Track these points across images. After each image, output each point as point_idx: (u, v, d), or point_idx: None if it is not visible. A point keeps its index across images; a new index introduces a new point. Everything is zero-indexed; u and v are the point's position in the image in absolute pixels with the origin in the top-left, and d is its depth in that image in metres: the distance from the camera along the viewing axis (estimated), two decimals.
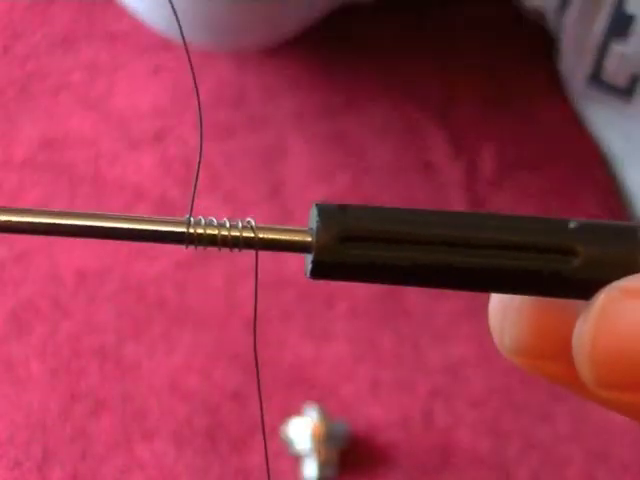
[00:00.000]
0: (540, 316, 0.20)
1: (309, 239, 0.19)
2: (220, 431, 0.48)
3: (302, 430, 0.46)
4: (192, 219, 0.19)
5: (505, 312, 0.20)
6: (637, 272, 0.18)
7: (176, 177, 0.53)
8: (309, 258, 0.19)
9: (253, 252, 0.20)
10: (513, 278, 0.18)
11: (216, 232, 0.20)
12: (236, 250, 0.19)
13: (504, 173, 0.55)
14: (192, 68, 0.32)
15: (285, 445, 0.48)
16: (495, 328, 0.21)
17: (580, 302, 0.19)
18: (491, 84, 0.59)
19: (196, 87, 0.34)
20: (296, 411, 0.48)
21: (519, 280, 0.18)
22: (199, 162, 0.23)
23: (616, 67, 0.51)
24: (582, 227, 0.18)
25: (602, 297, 0.18)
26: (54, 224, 0.19)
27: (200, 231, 0.19)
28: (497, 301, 0.20)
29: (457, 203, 0.53)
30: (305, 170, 0.54)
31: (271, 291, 0.51)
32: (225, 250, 0.21)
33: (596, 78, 0.53)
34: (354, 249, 0.18)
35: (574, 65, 0.55)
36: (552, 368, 0.21)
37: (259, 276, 0.21)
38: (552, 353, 0.21)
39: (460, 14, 0.60)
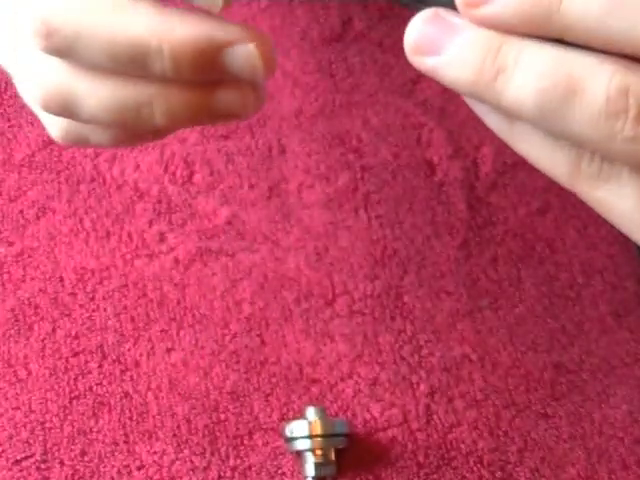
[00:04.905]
0: None
1: None
2: (220, 431, 0.48)
3: (302, 429, 0.46)
4: None
5: None
6: None
7: (176, 176, 0.53)
8: None
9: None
10: None
11: None
12: None
13: (504, 173, 0.55)
14: None
15: (285, 444, 0.48)
16: None
17: None
18: None
19: None
20: (296, 410, 0.48)
21: None
22: None
23: None
24: None
25: None
26: None
27: None
28: None
29: (457, 203, 0.53)
30: (305, 170, 0.54)
31: (271, 291, 0.51)
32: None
33: None
34: None
35: None
36: None
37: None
38: None
39: None
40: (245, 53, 0.31)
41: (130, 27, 0.30)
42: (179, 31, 0.30)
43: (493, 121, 0.29)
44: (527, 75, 0.26)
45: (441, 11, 0.28)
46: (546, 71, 0.26)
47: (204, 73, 0.31)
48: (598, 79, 0.25)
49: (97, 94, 0.32)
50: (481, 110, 0.29)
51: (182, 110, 0.32)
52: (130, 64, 0.31)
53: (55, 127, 0.36)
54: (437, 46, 0.27)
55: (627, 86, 0.25)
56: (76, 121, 0.34)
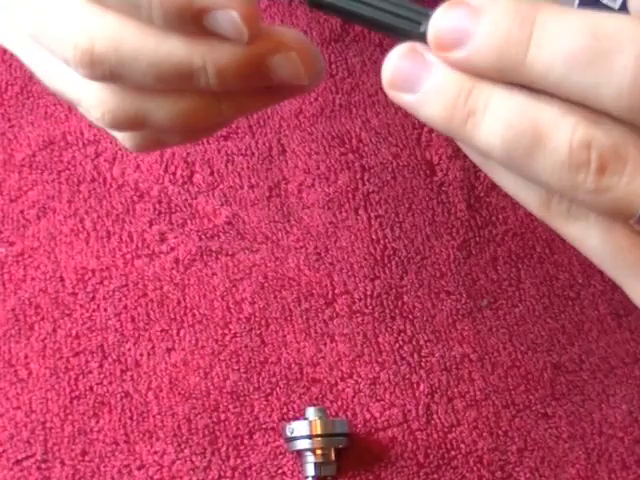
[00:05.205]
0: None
1: None
2: (220, 431, 0.48)
3: (302, 429, 0.46)
4: None
5: None
6: None
7: (176, 176, 0.53)
8: None
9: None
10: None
11: None
12: None
13: None
14: None
15: (285, 444, 0.48)
16: None
17: None
18: None
19: None
20: (296, 410, 0.48)
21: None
22: None
23: None
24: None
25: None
26: None
27: None
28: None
29: (457, 203, 0.53)
30: (305, 170, 0.54)
31: (271, 291, 0.51)
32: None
33: None
34: None
35: None
36: None
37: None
38: None
39: None
40: (286, 61, 0.31)
41: (172, 50, 0.31)
42: (219, 47, 0.31)
43: (470, 153, 0.30)
44: (495, 122, 0.26)
45: (418, 46, 0.28)
46: (512, 120, 0.26)
47: (250, 82, 0.32)
48: (561, 131, 0.26)
49: (163, 107, 0.33)
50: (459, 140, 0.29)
51: (247, 100, 0.33)
52: (175, 82, 0.31)
53: (128, 141, 0.36)
54: (412, 83, 0.28)
55: (590, 139, 0.26)
56: (149, 131, 0.35)
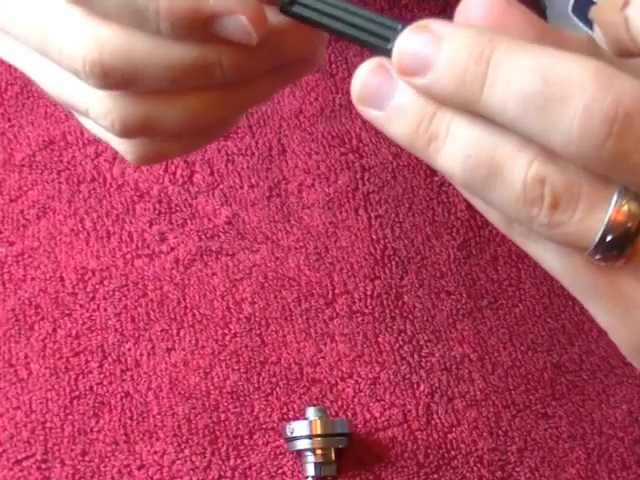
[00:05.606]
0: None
1: None
2: (220, 431, 0.48)
3: (302, 429, 0.46)
4: None
5: None
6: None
7: (176, 176, 0.53)
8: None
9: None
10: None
11: None
12: None
13: None
14: None
15: (285, 444, 0.48)
16: None
17: None
18: None
19: None
20: (296, 410, 0.48)
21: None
22: None
23: None
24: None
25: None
26: None
27: None
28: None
29: (457, 203, 0.53)
30: (305, 170, 0.54)
31: (271, 291, 0.51)
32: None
33: None
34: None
35: None
36: None
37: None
38: None
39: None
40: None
41: (185, 51, 0.31)
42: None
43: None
44: (455, 150, 0.27)
45: (386, 62, 0.28)
46: (471, 150, 0.27)
47: (264, 65, 0.32)
48: (517, 165, 0.26)
49: (174, 108, 0.32)
50: None
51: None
52: (190, 81, 0.31)
53: (130, 154, 0.36)
54: (379, 100, 0.28)
55: (544, 175, 0.26)
56: (153, 141, 0.35)
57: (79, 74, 0.32)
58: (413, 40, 0.27)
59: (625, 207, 0.26)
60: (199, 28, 0.30)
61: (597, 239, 0.26)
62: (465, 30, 0.26)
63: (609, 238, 0.26)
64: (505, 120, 0.26)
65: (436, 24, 0.27)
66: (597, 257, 0.27)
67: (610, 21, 0.27)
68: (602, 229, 0.26)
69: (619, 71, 0.25)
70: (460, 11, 0.28)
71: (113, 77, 0.31)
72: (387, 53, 0.28)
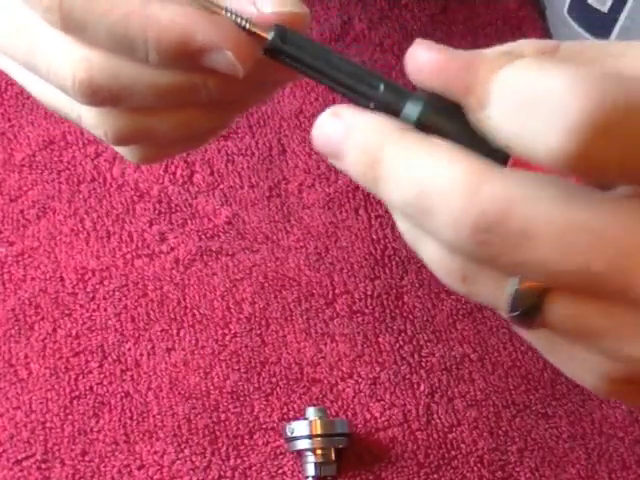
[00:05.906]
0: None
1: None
2: (220, 431, 0.48)
3: (302, 429, 0.46)
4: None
5: None
6: None
7: (176, 176, 0.53)
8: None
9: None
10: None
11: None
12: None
13: None
14: None
15: (285, 444, 0.48)
16: None
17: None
18: None
19: None
20: (296, 410, 0.48)
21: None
22: None
23: None
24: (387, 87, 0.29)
25: None
26: None
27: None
28: None
29: None
30: (305, 170, 0.54)
31: (271, 291, 0.51)
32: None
33: None
34: (291, 46, 0.30)
35: None
36: None
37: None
38: None
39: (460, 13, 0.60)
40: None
41: (172, 75, 0.31)
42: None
43: None
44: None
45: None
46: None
47: (253, 87, 0.33)
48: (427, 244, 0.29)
49: (165, 120, 0.33)
50: None
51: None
52: (176, 100, 0.32)
53: (131, 155, 0.36)
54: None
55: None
56: (152, 144, 0.36)
57: (68, 92, 0.32)
58: (328, 125, 0.29)
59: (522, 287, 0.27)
60: (186, 60, 0.30)
61: (508, 309, 0.27)
62: (365, 125, 0.28)
63: (515, 314, 0.28)
64: (401, 212, 0.28)
65: (345, 111, 0.28)
66: (516, 321, 0.28)
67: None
68: (509, 303, 0.27)
69: (494, 170, 0.25)
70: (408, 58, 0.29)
71: (101, 96, 0.32)
72: (368, 107, 0.29)
